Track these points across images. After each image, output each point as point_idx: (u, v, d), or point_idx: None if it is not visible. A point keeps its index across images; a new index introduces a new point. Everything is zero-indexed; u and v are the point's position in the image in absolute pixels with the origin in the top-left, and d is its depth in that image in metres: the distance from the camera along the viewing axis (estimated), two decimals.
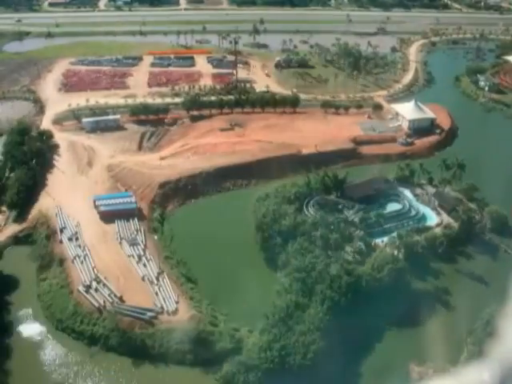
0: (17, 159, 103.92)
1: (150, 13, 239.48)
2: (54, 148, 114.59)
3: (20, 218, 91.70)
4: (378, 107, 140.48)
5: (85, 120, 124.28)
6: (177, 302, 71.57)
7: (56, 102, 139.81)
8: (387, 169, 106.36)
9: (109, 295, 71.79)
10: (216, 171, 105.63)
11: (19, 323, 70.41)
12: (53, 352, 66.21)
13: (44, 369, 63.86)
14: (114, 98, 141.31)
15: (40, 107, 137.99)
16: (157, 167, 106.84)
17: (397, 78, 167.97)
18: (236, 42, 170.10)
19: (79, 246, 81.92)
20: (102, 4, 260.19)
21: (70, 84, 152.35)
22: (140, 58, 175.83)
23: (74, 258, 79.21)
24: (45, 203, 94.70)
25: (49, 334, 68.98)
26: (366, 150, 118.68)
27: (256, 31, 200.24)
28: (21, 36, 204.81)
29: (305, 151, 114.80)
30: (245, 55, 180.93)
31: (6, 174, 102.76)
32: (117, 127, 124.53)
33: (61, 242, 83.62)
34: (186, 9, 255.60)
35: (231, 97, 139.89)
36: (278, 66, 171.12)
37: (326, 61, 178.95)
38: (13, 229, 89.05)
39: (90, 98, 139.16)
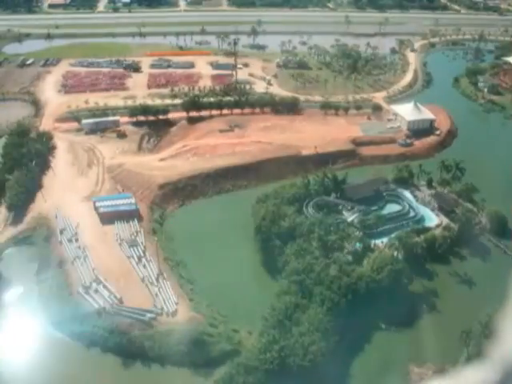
0: (16, 161, 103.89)
1: (149, 14, 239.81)
2: (54, 149, 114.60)
3: (19, 219, 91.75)
4: (377, 108, 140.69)
5: (84, 121, 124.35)
6: (176, 304, 71.66)
7: (55, 103, 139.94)
8: (386, 170, 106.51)
9: (108, 296, 71.86)
10: (216, 172, 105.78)
11: (18, 324, 70.52)
12: (52, 354, 66.27)
13: (44, 370, 63.82)
14: (114, 100, 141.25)
15: (39, 109, 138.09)
16: (156, 168, 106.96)
17: (396, 79, 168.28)
18: (235, 44, 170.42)
19: (79, 248, 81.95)
20: (101, 5, 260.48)
21: (70, 85, 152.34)
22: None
23: (74, 259, 79.22)
24: (44, 204, 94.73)
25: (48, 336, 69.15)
26: (365, 151, 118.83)
27: (255, 32, 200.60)
28: (20, 37, 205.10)
29: (304, 152, 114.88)
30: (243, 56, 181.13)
31: (6, 176, 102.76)
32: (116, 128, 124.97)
33: (60, 243, 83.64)
34: (185, 10, 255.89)
35: (231, 98, 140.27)
36: (279, 66, 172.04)
37: (325, 62, 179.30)
38: (12, 230, 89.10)
39: (89, 100, 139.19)
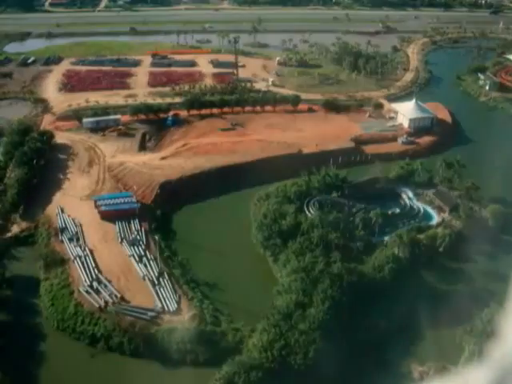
0: (17, 159, 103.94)
1: (150, 13, 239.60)
2: (55, 148, 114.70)
3: (21, 218, 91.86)
4: (378, 106, 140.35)
5: (85, 120, 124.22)
6: (178, 302, 71.66)
7: (57, 102, 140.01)
8: (388, 168, 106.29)
9: (109, 295, 71.91)
10: (217, 171, 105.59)
11: (21, 323, 70.57)
12: (54, 352, 66.28)
13: (46, 370, 63.89)
14: (115, 98, 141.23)
15: (40, 107, 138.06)
16: (158, 167, 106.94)
17: (398, 77, 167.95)
18: (236, 42, 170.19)
19: (80, 246, 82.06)
20: (102, 4, 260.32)
21: (71, 84, 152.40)
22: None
23: (75, 258, 79.28)
24: (45, 203, 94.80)
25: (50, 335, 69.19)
26: (366, 149, 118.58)
27: (256, 31, 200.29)
28: (21, 36, 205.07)
29: (306, 150, 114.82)
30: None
31: (7, 175, 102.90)
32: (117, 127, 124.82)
33: (61, 242, 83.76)
34: (186, 8, 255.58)
35: (232, 96, 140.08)
36: (280, 64, 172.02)
37: (327, 60, 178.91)
38: (14, 229, 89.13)
39: (90, 98, 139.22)
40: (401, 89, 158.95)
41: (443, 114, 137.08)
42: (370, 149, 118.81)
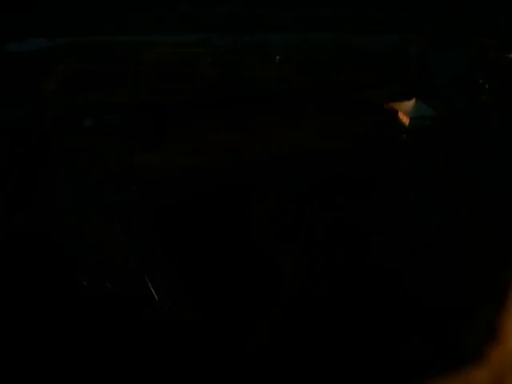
0: (16, 159, 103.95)
1: (151, 11, 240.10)
2: (55, 148, 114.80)
3: (20, 218, 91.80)
4: (378, 105, 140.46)
5: (85, 119, 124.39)
6: (178, 302, 71.74)
7: (57, 101, 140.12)
8: None
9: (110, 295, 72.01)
10: (218, 170, 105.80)
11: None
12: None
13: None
14: (116, 97, 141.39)
15: (41, 107, 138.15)
16: (158, 167, 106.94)
17: (398, 75, 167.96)
18: (236, 41, 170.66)
19: (80, 246, 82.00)
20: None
21: (71, 83, 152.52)
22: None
23: (75, 257, 79.23)
24: (46, 203, 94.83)
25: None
26: (366, 148, 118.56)
27: (257, 29, 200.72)
28: (21, 36, 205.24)
29: (306, 150, 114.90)
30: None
31: (6, 174, 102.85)
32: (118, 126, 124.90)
33: (62, 241, 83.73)
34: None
35: (232, 96, 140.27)
36: (280, 63, 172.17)
37: (326, 59, 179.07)
38: (13, 229, 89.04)
39: (91, 98, 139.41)
40: (401, 88, 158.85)
41: (444, 113, 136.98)
42: (370, 148, 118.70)
